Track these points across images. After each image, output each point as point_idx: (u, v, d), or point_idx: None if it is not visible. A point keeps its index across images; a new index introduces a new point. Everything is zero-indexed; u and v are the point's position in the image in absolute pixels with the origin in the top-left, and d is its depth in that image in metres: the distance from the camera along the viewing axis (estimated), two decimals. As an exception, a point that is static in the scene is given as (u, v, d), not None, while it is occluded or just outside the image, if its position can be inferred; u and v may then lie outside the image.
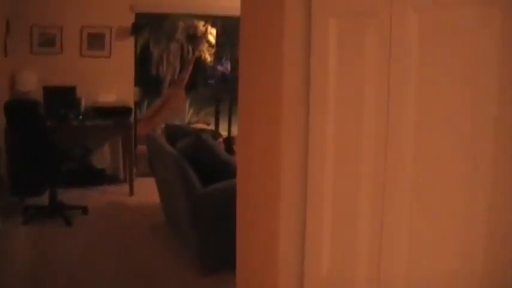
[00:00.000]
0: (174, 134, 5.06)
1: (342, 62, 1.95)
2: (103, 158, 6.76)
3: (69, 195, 5.81)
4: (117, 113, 6.32)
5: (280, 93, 2.14)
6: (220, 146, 4.50)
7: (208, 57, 8.75)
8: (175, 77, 8.69)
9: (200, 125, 7.11)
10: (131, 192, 6.28)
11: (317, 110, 2.09)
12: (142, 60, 7.37)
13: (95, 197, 6.14)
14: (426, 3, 1.57)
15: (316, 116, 2.09)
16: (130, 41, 6.77)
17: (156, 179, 5.39)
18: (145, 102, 8.68)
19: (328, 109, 2.02)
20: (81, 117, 6.23)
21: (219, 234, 4.06)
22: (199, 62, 8.61)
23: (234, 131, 9.40)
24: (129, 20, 6.66)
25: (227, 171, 4.20)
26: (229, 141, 5.25)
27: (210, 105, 9.91)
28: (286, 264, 2.21)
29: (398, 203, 1.70)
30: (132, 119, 6.51)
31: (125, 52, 6.70)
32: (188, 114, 8.80)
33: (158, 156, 5.06)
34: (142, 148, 6.66)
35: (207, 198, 4.07)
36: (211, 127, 8.20)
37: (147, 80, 8.46)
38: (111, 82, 6.62)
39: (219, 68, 8.80)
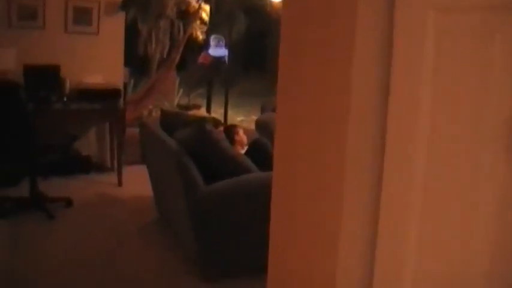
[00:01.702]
0: (170, 121, 4.60)
1: (445, 67, 1.57)
2: (88, 144, 6.27)
3: (51, 186, 5.34)
4: (105, 96, 5.82)
5: (348, 97, 1.71)
6: (224, 139, 4.04)
7: (199, 36, 8.20)
8: (165, 57, 8.15)
9: (197, 112, 6.62)
10: (120, 183, 5.82)
11: (402, 118, 1.70)
12: (129, 38, 6.84)
13: (79, 187, 5.67)
14: None
15: (401, 132, 1.69)
16: (120, 17, 6.24)
17: (149, 171, 4.97)
18: (132, 83, 8.14)
19: (419, 121, 1.62)
20: (65, 99, 5.70)
21: (223, 238, 3.72)
22: (191, 40, 8.07)
23: (231, 118, 9.02)
24: (119, -7, 6.13)
25: (233, 168, 3.84)
26: (229, 130, 4.77)
27: (201, 86, 9.46)
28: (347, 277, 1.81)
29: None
30: (121, 102, 6.01)
31: (114, 29, 6.17)
32: (177, 96, 8.29)
33: (153, 147, 4.64)
34: (130, 131, 6.18)
35: (210, 198, 3.68)
36: (203, 110, 7.74)
37: (134, 59, 7.91)
38: (98, 61, 6.08)
39: (213, 50, 8.33)
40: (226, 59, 8.66)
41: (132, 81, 8.12)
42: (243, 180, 3.78)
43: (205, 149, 3.85)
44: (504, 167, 1.47)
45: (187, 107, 7.46)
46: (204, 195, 3.63)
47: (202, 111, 7.43)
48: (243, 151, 4.49)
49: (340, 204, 1.76)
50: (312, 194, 1.94)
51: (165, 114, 4.87)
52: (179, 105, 7.91)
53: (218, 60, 8.54)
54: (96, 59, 6.07)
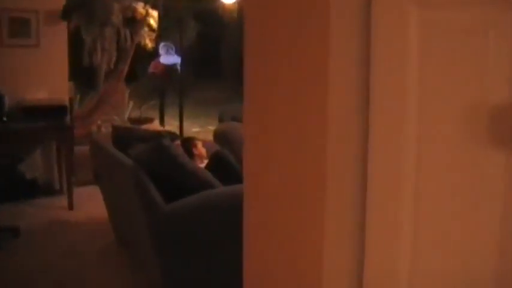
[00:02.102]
0: (123, 137, 4.30)
1: (432, 66, 1.52)
2: (34, 165, 5.89)
3: (-5, 214, 4.99)
4: (49, 113, 5.49)
5: (324, 100, 1.63)
6: (183, 153, 3.77)
7: (149, 43, 7.85)
8: (112, 67, 7.77)
9: (151, 125, 6.30)
10: (71, 206, 5.48)
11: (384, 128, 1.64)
12: (73, 49, 6.46)
13: (27, 214, 5.31)
14: None
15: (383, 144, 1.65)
16: (62, 27, 5.91)
17: (102, 191, 4.66)
18: (78, 98, 7.74)
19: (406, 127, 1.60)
20: (4, 119, 5.36)
21: (188, 260, 3.48)
22: (140, 49, 7.72)
23: (186, 129, 8.70)
24: (59, 1, 5.80)
25: (195, 184, 3.60)
26: (187, 144, 4.48)
27: (152, 98, 9.13)
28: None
29: None
30: (68, 118, 5.67)
31: (55, 40, 5.84)
32: (128, 109, 7.93)
33: (106, 165, 4.37)
34: (79, 150, 5.85)
35: (172, 217, 3.43)
36: (156, 123, 7.41)
37: (79, 71, 7.51)
38: (41, 76, 5.73)
39: (164, 58, 8.00)
40: (179, 66, 8.34)
41: (78, 96, 7.72)
42: (206, 196, 3.55)
43: (163, 166, 3.61)
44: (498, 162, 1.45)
45: (140, 121, 7.13)
46: (165, 215, 3.39)
47: (156, 125, 7.12)
48: (203, 165, 4.25)
49: (321, 212, 1.69)
50: (291, 203, 1.85)
51: (116, 130, 4.59)
52: (130, 119, 7.55)
53: (170, 68, 8.23)
54: (38, 74, 5.74)
